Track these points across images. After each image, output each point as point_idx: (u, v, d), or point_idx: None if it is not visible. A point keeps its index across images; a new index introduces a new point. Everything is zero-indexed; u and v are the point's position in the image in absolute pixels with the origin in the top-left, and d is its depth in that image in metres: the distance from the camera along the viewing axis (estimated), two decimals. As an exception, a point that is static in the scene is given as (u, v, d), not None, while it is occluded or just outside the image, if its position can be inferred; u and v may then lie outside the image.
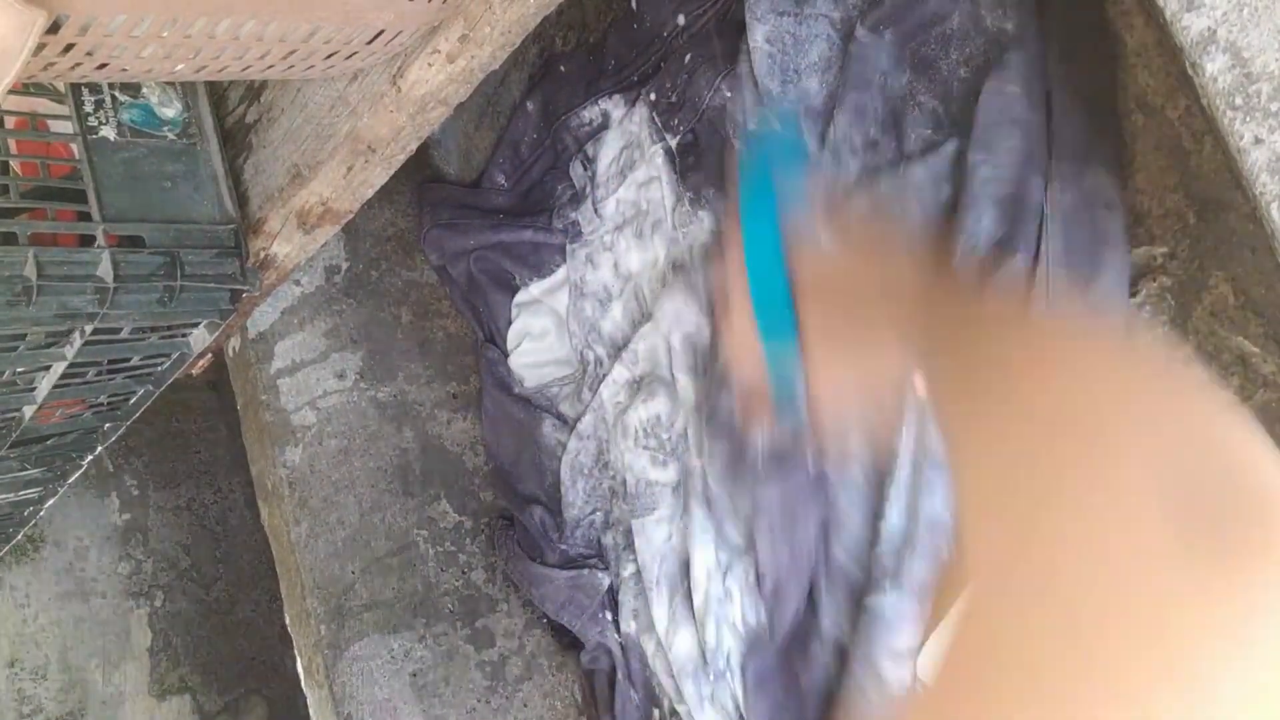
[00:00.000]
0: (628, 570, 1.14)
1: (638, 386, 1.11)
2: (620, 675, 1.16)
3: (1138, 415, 0.27)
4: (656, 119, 1.05)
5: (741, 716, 1.00)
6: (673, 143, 1.04)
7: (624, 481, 1.12)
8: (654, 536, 1.08)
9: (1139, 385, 0.29)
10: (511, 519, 1.29)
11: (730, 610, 1.00)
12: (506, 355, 1.26)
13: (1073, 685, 0.24)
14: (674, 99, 1.03)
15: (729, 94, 0.98)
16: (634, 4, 1.08)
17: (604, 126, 1.14)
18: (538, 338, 1.24)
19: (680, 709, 1.07)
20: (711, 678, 1.01)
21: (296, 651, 1.23)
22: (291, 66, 0.63)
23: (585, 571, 1.18)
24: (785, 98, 0.91)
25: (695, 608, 1.03)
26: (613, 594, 1.17)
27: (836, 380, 0.42)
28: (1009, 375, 0.32)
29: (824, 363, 0.42)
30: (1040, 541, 0.26)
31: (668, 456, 1.07)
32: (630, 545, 1.13)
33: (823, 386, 0.43)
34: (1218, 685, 0.23)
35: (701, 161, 1.03)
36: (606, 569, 1.17)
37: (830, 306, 0.41)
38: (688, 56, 1.02)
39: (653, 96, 1.05)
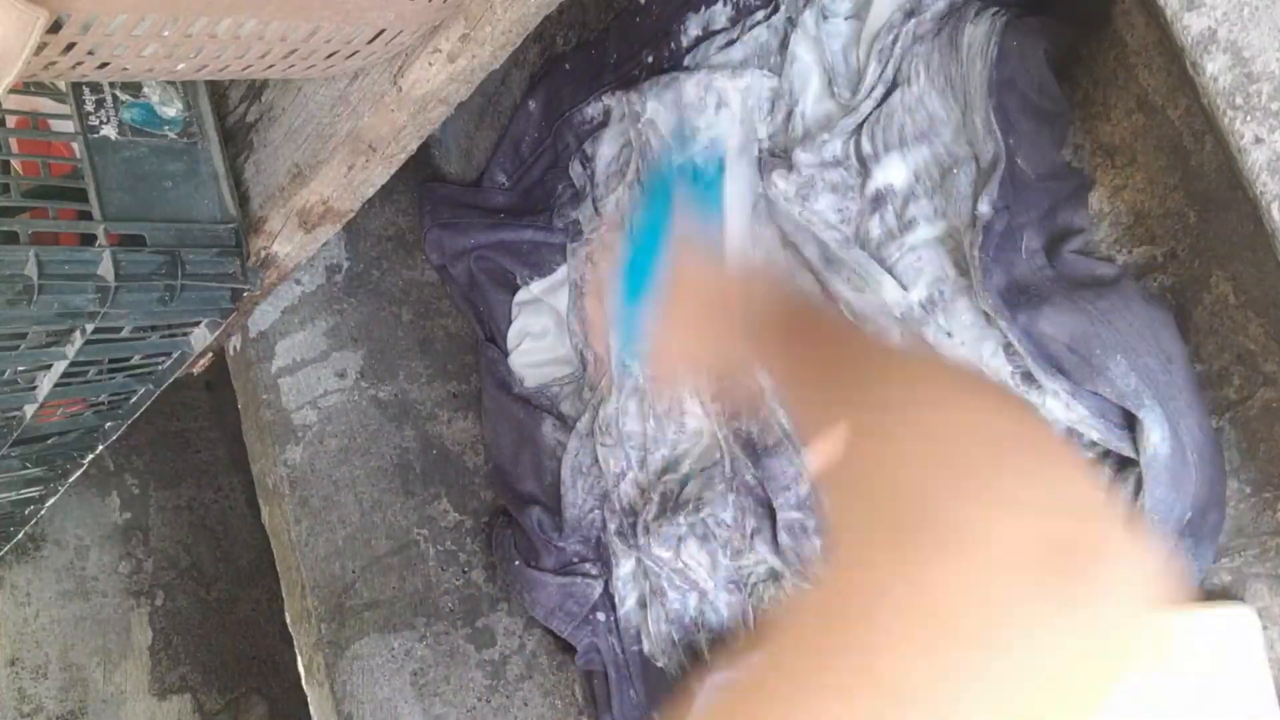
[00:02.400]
0: (625, 568, 1.14)
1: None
2: (613, 674, 1.16)
3: (1019, 468, 0.32)
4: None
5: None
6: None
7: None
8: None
9: (1024, 439, 0.34)
10: (511, 519, 1.29)
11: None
12: (507, 354, 1.26)
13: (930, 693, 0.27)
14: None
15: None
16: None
17: (605, 124, 1.13)
18: (538, 337, 1.24)
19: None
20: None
21: (297, 650, 1.23)
22: (292, 66, 0.64)
23: (578, 580, 1.18)
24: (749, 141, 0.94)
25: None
26: (609, 594, 1.17)
27: (680, 347, 0.51)
28: (890, 401, 0.37)
29: (674, 330, 0.51)
30: (915, 551, 0.30)
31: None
32: (626, 548, 1.13)
33: (667, 348, 0.52)
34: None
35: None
36: (599, 576, 1.17)
37: (693, 297, 0.51)
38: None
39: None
